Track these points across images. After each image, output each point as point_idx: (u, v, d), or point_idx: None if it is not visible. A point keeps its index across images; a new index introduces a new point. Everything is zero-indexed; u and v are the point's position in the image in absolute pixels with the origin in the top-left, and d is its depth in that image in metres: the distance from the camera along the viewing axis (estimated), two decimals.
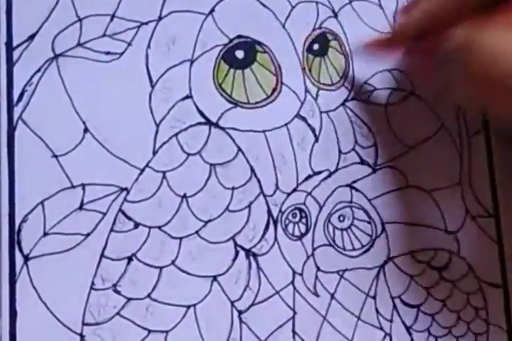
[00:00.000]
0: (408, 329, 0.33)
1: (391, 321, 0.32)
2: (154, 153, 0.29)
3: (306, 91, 0.33)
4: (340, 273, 0.32)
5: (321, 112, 0.33)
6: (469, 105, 0.33)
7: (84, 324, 0.27)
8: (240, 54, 0.32)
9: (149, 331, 0.28)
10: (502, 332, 0.35)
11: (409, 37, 0.31)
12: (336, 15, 0.34)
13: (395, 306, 0.33)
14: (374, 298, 0.32)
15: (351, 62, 0.34)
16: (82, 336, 0.27)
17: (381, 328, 0.32)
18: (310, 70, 0.33)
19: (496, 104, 0.28)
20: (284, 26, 0.33)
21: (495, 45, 0.26)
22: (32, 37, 0.29)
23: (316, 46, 0.33)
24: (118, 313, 0.28)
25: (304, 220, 0.32)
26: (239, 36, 0.32)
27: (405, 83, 0.36)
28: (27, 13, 0.29)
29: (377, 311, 0.32)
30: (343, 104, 0.34)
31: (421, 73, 0.34)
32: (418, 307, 0.33)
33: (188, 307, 0.29)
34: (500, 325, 0.35)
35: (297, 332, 0.30)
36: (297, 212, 0.31)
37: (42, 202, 0.27)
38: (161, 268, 0.29)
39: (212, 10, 0.32)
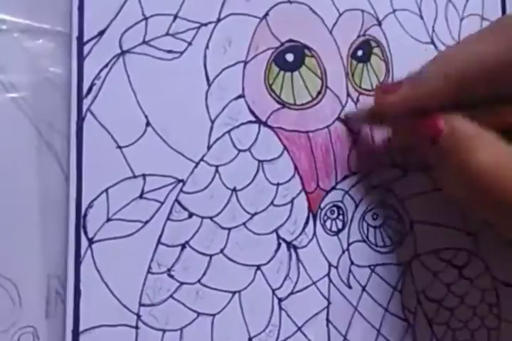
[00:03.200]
0: (429, 321, 0.35)
1: (415, 313, 0.35)
2: (209, 147, 0.31)
3: (348, 95, 0.35)
4: (372, 267, 0.34)
5: None
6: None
7: (140, 304, 0.29)
8: (289, 57, 0.33)
9: (198, 313, 0.30)
10: None
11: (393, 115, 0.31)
12: (379, 24, 0.36)
13: (418, 300, 0.35)
14: (400, 291, 0.34)
15: (391, 69, 0.36)
16: (138, 316, 0.29)
17: (405, 320, 0.34)
18: (353, 75, 0.35)
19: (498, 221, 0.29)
20: (331, 32, 0.35)
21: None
22: (101, 33, 0.30)
23: (360, 52, 0.35)
24: (171, 296, 0.30)
25: (340, 217, 0.33)
26: (290, 40, 0.33)
27: None
28: (97, 9, 0.30)
29: (402, 304, 0.34)
30: None
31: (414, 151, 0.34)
32: (439, 301, 0.35)
33: (234, 293, 0.31)
34: (511, 321, 0.37)
35: (331, 320, 0.32)
36: (335, 209, 0.33)
37: (106, 190, 0.29)
38: (210, 255, 0.31)
39: (266, 14, 0.33)
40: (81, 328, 0.28)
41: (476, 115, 0.29)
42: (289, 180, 0.34)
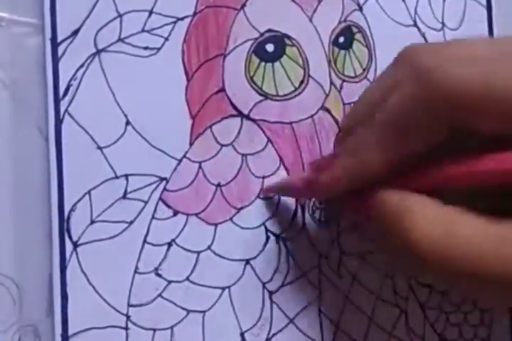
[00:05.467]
0: (422, 306, 0.34)
1: (407, 299, 0.34)
2: (191, 144, 0.30)
3: (331, 83, 0.33)
4: (362, 255, 0.33)
5: (344, 104, 0.34)
6: None
7: (129, 305, 0.28)
8: (270, 47, 0.32)
9: (188, 311, 0.29)
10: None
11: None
12: (360, 9, 0.35)
13: (410, 285, 0.34)
14: (392, 278, 0.33)
15: (374, 55, 0.35)
16: (128, 316, 0.28)
17: (397, 305, 0.33)
18: (335, 63, 0.34)
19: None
20: (311, 20, 0.33)
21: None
22: (75, 32, 0.29)
23: (341, 39, 0.34)
24: (160, 295, 0.29)
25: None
26: (269, 30, 0.32)
27: None
28: (70, 9, 0.29)
29: (394, 290, 0.33)
30: None
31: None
32: (430, 286, 0.34)
33: (224, 288, 0.30)
34: None
35: (322, 310, 0.32)
36: None
37: (89, 192, 0.28)
38: (198, 252, 0.30)
39: (244, 5, 0.32)
40: (70, 332, 0.27)
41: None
42: (275, 172, 0.33)
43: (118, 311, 0.29)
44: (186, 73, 0.31)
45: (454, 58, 0.22)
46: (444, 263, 0.21)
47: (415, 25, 0.37)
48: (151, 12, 0.31)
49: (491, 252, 0.20)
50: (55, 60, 0.29)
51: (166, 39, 0.31)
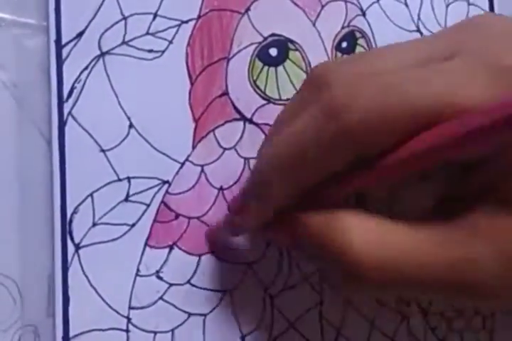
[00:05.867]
0: (424, 312, 0.34)
1: (408, 305, 0.34)
2: (193, 147, 0.30)
3: None
4: None
5: None
6: None
7: (130, 308, 0.28)
8: (273, 52, 0.32)
9: (189, 314, 0.29)
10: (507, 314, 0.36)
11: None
12: (363, 14, 0.35)
13: None
14: None
15: None
16: (129, 319, 0.28)
17: (399, 311, 0.33)
18: None
19: None
20: (314, 25, 0.33)
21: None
22: (80, 35, 0.29)
23: (344, 44, 0.34)
24: (161, 298, 0.29)
25: None
26: (272, 34, 0.32)
27: None
28: (75, 11, 0.29)
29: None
30: None
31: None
32: None
33: (225, 292, 0.30)
34: None
35: (324, 315, 0.32)
36: None
37: (91, 195, 0.28)
38: (199, 255, 0.30)
39: (248, 9, 0.32)
40: (71, 334, 0.28)
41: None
42: None
43: (119, 313, 0.29)
44: (190, 76, 0.31)
45: (361, 85, 0.20)
46: (386, 274, 0.20)
47: (418, 30, 0.37)
48: (155, 15, 0.31)
49: (432, 257, 0.20)
50: (60, 62, 0.29)
51: (170, 42, 0.31)
